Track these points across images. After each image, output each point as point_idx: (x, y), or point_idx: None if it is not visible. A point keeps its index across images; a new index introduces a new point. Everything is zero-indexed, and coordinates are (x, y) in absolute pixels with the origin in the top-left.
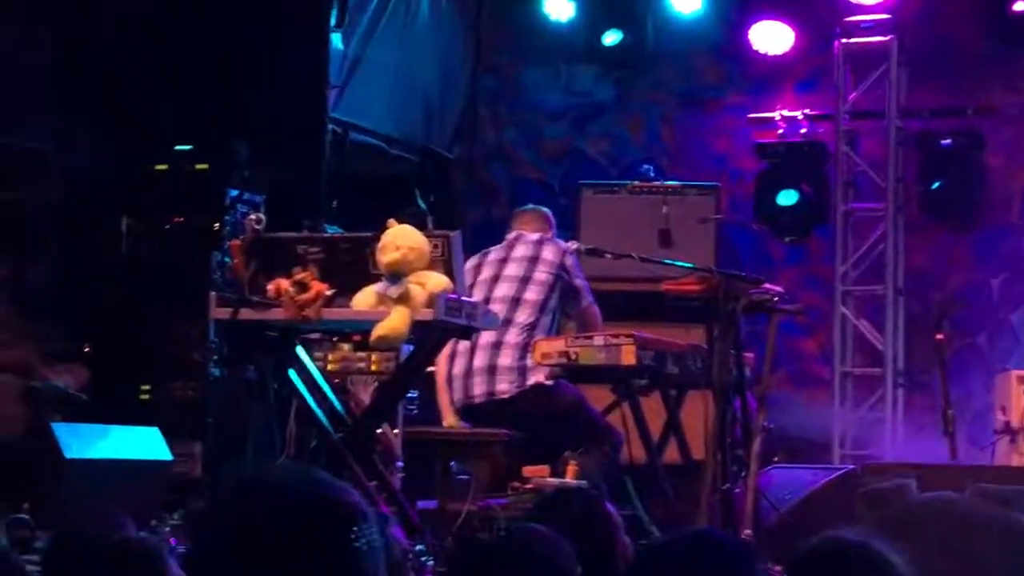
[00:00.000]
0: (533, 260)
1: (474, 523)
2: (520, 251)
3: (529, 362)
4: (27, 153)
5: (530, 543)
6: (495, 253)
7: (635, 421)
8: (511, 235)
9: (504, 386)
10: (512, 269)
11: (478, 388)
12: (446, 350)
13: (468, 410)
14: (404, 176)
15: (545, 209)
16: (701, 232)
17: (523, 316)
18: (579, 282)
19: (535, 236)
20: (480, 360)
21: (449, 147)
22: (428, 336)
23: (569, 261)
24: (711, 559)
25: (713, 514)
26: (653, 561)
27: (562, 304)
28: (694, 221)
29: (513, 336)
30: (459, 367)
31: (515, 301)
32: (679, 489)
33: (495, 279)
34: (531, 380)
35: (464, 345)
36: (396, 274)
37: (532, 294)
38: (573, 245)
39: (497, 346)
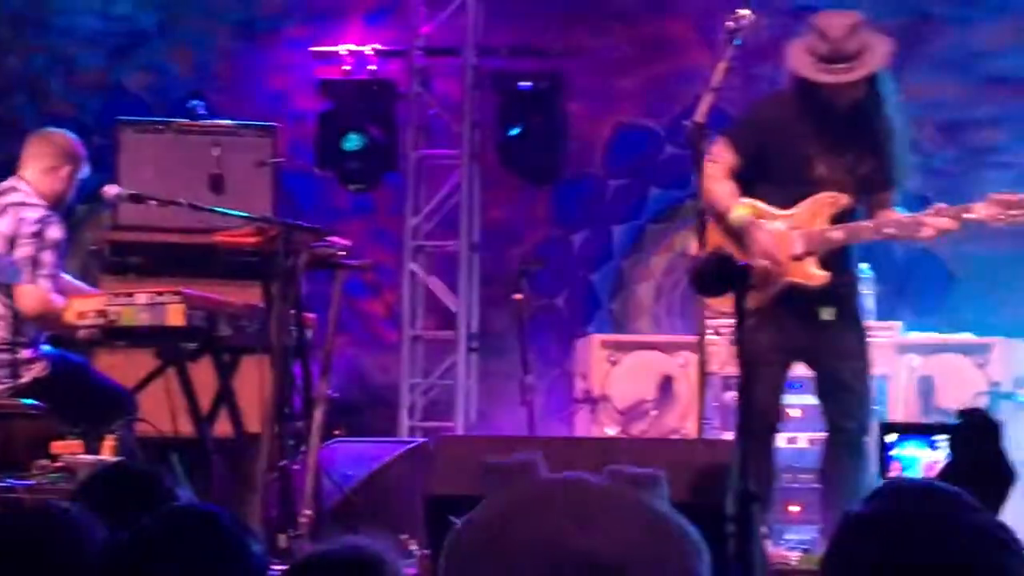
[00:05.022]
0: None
1: None
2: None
3: (22, 350)
4: None
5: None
6: None
7: (183, 389)
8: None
9: None
10: None
11: None
12: None
13: None
14: None
15: (58, 134)
16: (257, 178)
17: None
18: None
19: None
20: None
21: None
22: None
23: (28, 230)
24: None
25: (269, 493)
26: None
27: None
28: (249, 165)
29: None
30: None
31: None
32: (232, 466)
33: None
34: (27, 375)
35: None
36: None
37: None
38: (113, 190)
39: None
